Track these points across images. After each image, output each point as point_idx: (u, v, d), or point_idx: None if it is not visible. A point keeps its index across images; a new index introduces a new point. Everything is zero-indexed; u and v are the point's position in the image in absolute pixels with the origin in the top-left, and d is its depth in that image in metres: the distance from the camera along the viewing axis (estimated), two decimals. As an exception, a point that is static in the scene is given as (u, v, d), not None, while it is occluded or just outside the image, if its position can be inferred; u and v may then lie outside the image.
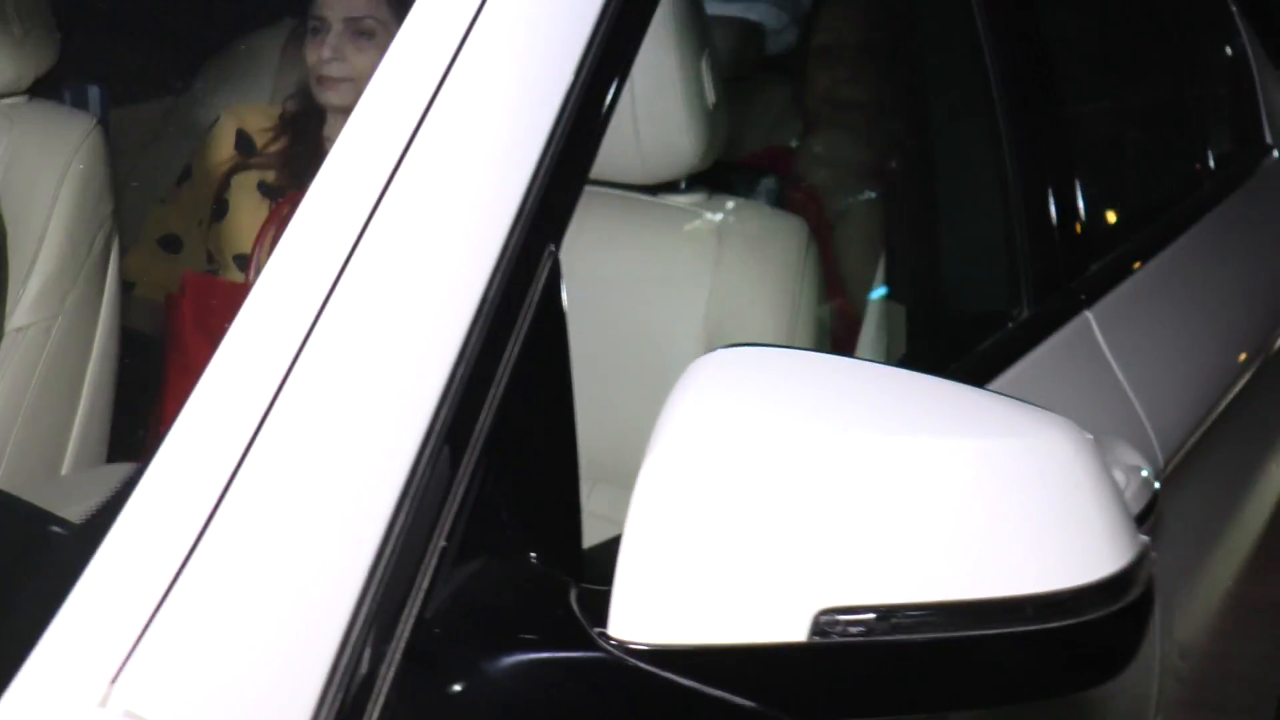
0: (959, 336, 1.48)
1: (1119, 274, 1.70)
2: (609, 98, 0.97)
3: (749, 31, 2.90)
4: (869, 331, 1.58)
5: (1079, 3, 2.16)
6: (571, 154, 0.93)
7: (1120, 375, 1.57)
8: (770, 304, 1.62)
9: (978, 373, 1.39)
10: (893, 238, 1.57)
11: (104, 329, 2.37)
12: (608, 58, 0.95)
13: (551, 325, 0.87)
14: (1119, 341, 1.59)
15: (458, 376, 0.79)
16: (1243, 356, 1.87)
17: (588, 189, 1.69)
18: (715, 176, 1.83)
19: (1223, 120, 2.56)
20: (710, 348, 1.61)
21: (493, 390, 0.81)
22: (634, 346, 1.66)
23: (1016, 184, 1.52)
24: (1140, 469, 1.44)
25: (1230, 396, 1.78)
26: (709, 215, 1.69)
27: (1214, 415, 1.71)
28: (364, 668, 0.73)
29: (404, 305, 0.81)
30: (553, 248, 0.88)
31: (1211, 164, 2.27)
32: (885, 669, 0.79)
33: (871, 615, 0.75)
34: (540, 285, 0.86)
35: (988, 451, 0.79)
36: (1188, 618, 1.63)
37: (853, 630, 0.75)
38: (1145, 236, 1.85)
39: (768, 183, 1.86)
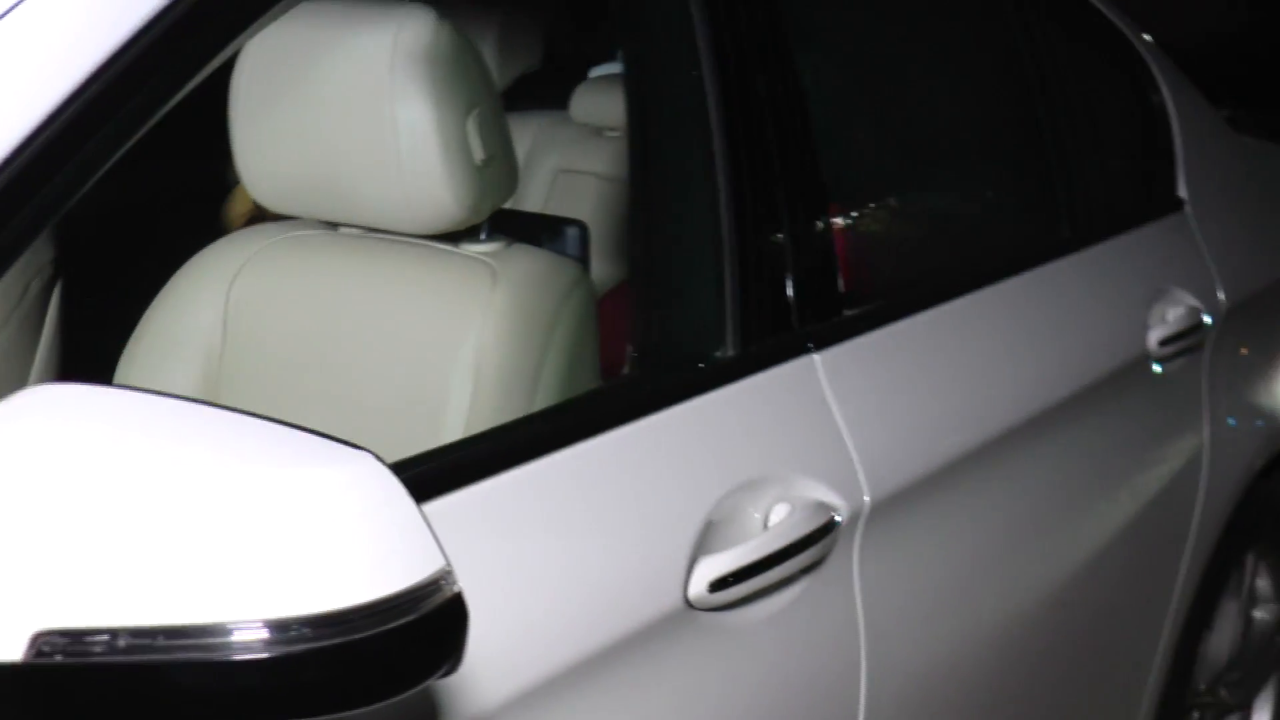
0: (652, 371, 1.59)
1: (871, 323, 1.77)
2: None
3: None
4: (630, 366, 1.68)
5: (896, 64, 2.23)
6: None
7: (839, 417, 1.65)
8: (523, 345, 1.74)
9: (678, 394, 1.51)
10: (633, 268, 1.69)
11: (41, 359, 2.56)
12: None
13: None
14: (843, 386, 1.67)
15: None
16: (1005, 420, 1.93)
17: (379, 238, 1.85)
18: (522, 225, 1.96)
19: (1116, 173, 2.60)
20: (476, 377, 1.75)
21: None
22: (410, 378, 1.80)
23: (735, 231, 1.61)
24: (820, 502, 1.54)
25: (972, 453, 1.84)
26: (492, 262, 1.82)
27: (935, 471, 1.78)
28: None
29: None
30: None
31: (1073, 219, 2.31)
32: (115, 690, 0.81)
33: (104, 637, 0.78)
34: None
35: (264, 478, 0.84)
36: (893, 620, 1.71)
37: (75, 651, 0.78)
38: (924, 290, 1.91)
39: (572, 231, 1.98)
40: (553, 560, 1.33)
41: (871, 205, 1.98)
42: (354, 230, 1.88)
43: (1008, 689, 2.01)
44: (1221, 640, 2.75)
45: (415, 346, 1.80)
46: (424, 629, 0.88)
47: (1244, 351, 2.58)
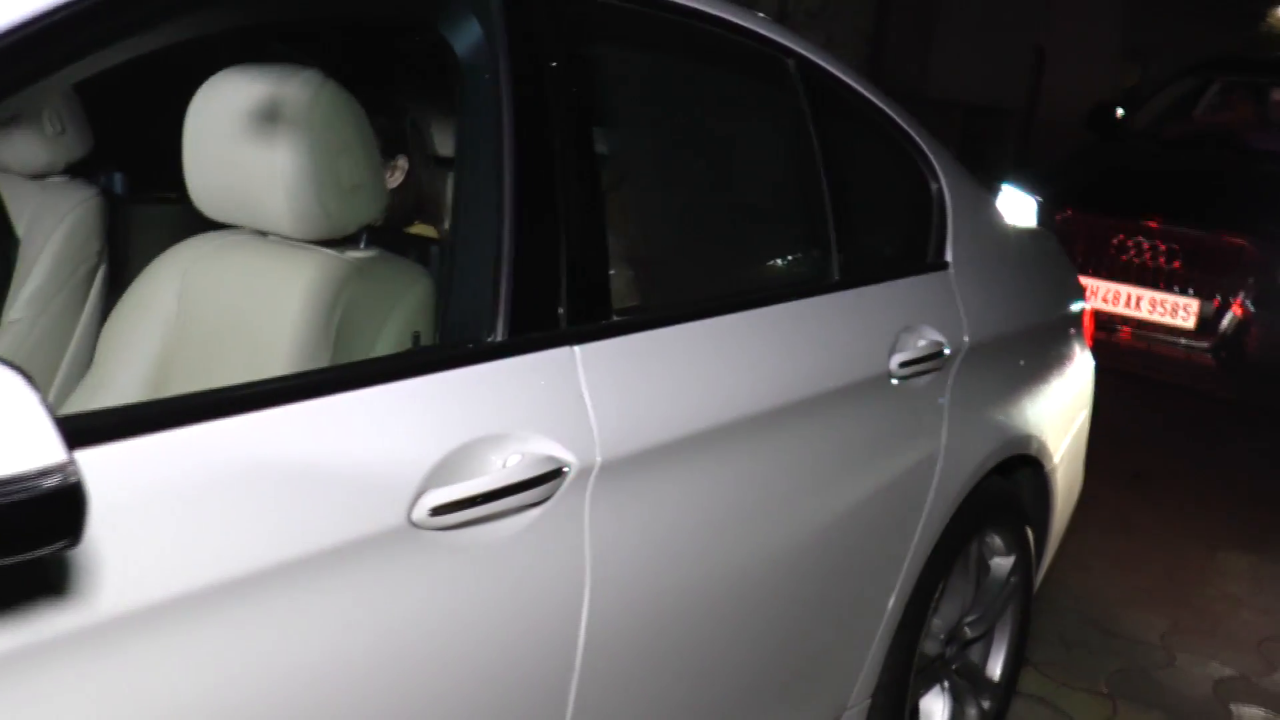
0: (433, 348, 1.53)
1: (634, 328, 1.71)
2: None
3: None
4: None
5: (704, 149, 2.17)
6: None
7: (586, 395, 1.58)
8: (368, 320, 1.76)
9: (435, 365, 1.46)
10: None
11: (81, 330, 2.53)
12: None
13: None
14: (596, 374, 1.60)
15: None
16: (742, 410, 1.85)
17: (279, 242, 1.81)
18: (396, 239, 1.92)
19: (891, 237, 2.53)
20: (336, 348, 1.71)
21: None
22: (290, 347, 1.75)
23: (515, 243, 1.56)
24: (549, 455, 1.47)
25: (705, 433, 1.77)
26: (361, 265, 1.80)
27: (669, 443, 1.70)
28: None
29: None
30: None
31: (841, 267, 2.23)
32: None
33: None
34: None
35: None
36: (621, 562, 1.63)
37: None
38: (687, 307, 1.85)
39: (434, 249, 1.94)
40: (297, 466, 1.27)
41: (671, 242, 1.92)
42: (274, 237, 1.85)
43: (730, 640, 1.91)
44: (967, 593, 2.67)
45: (299, 324, 1.75)
46: (41, 507, 0.84)
47: (979, 379, 2.49)
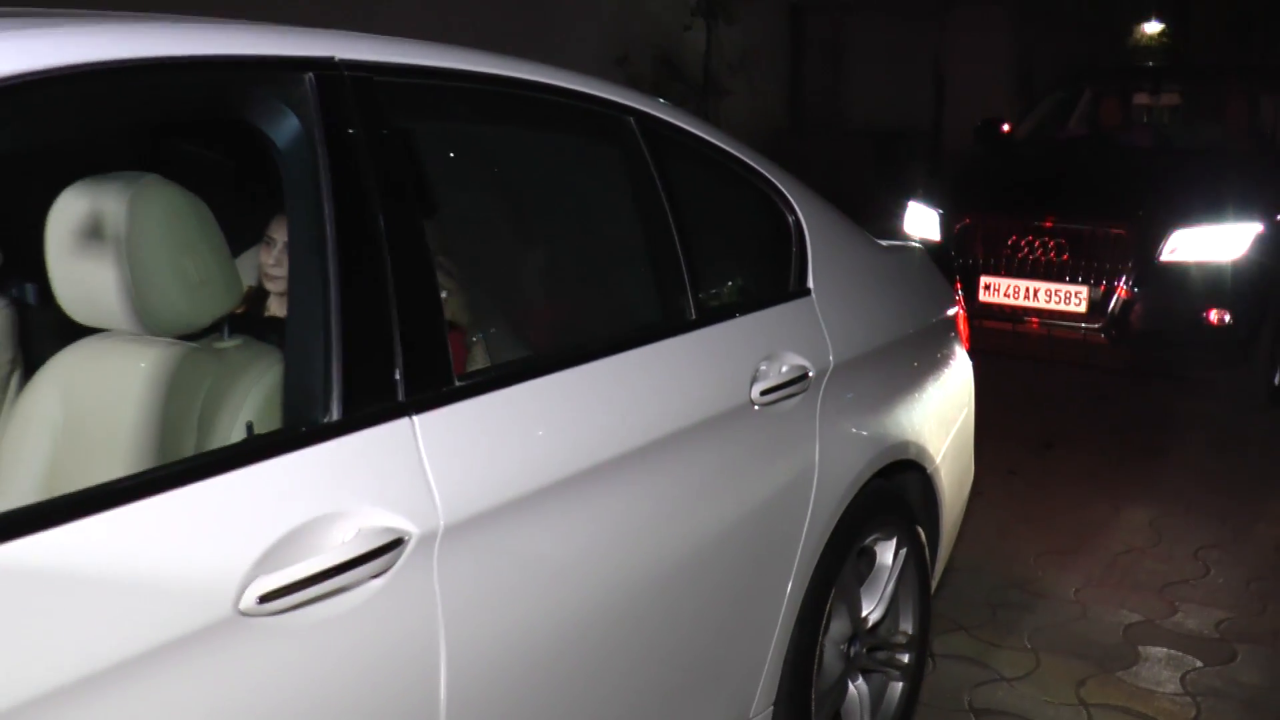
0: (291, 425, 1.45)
1: (480, 390, 1.62)
2: None
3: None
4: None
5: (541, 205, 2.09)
6: None
7: (426, 463, 1.50)
8: (227, 403, 1.68)
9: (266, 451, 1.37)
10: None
11: None
12: None
13: None
14: (437, 442, 1.52)
15: None
16: (596, 456, 1.76)
17: (141, 340, 1.72)
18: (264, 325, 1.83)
19: (747, 270, 2.45)
20: (200, 431, 1.62)
21: None
22: (167, 444, 1.66)
23: (342, 322, 1.47)
24: (391, 529, 1.38)
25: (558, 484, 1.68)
26: (227, 352, 1.75)
27: (516, 498, 1.62)
28: None
29: None
30: None
31: (697, 304, 2.14)
32: None
33: None
34: None
35: None
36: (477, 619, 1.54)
37: None
38: (529, 364, 1.77)
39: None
40: (123, 569, 1.18)
41: (516, 298, 1.83)
42: (129, 333, 1.76)
43: (607, 669, 1.81)
44: (864, 593, 2.58)
45: (169, 416, 1.67)
46: None
47: (849, 395, 2.41)
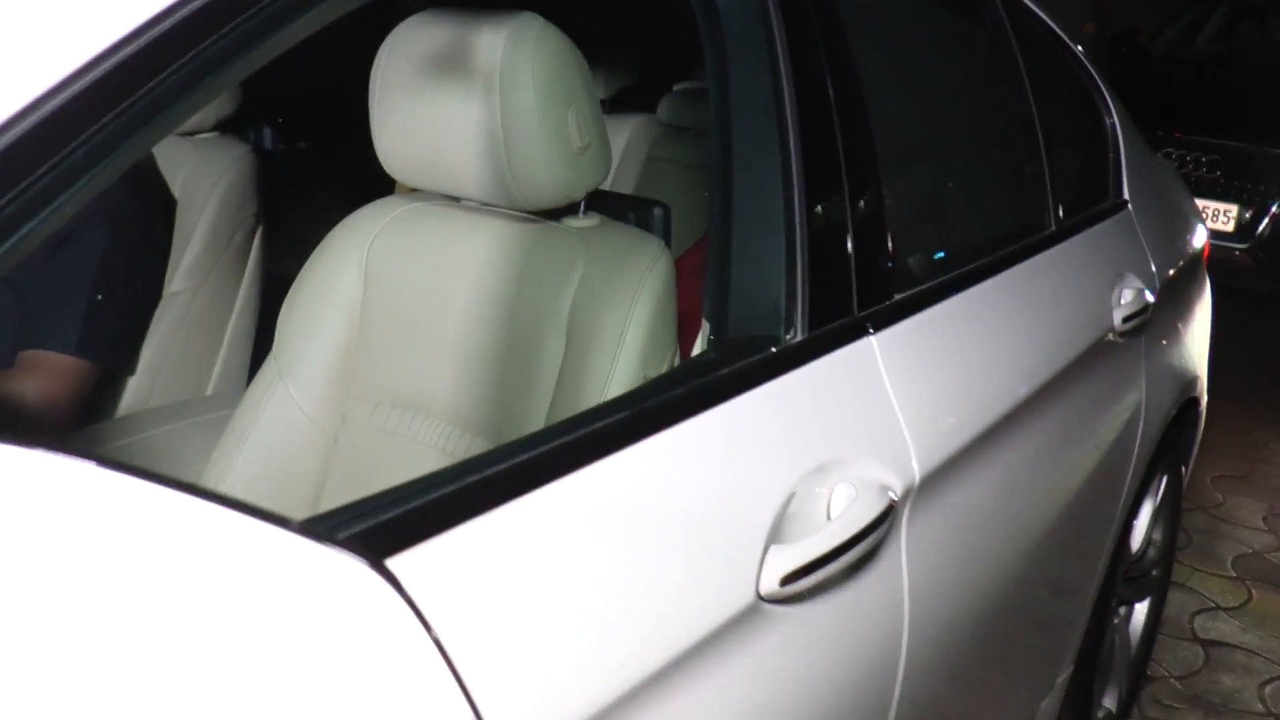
0: (729, 353, 1.04)
1: (916, 307, 1.24)
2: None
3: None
4: (699, 346, 1.16)
5: (938, 83, 1.66)
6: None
7: (893, 398, 1.12)
8: (610, 308, 1.21)
9: (745, 380, 0.98)
10: (711, 254, 1.14)
11: (243, 296, 2.08)
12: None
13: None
14: (898, 368, 1.14)
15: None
16: (1024, 389, 1.38)
17: (491, 211, 1.33)
18: (614, 205, 1.42)
19: (1081, 180, 2.02)
20: (568, 337, 1.23)
21: None
22: (511, 332, 1.28)
23: (804, 213, 1.09)
24: (880, 484, 1.01)
25: (998, 422, 1.30)
26: (587, 236, 1.29)
27: (977, 439, 1.24)
28: None
29: None
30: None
31: (1060, 214, 1.75)
32: None
33: None
34: None
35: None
36: (939, 602, 1.19)
37: None
38: (957, 276, 1.37)
39: (657, 211, 1.43)
40: (628, 564, 0.81)
41: (906, 197, 1.42)
42: (471, 203, 1.35)
43: (1016, 626, 1.48)
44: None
45: (516, 306, 1.27)
46: None
47: (1166, 321, 2.02)
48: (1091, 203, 1.97)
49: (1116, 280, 1.78)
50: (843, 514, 0.96)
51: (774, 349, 1.04)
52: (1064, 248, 1.69)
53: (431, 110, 1.23)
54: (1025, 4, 1.83)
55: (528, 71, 1.16)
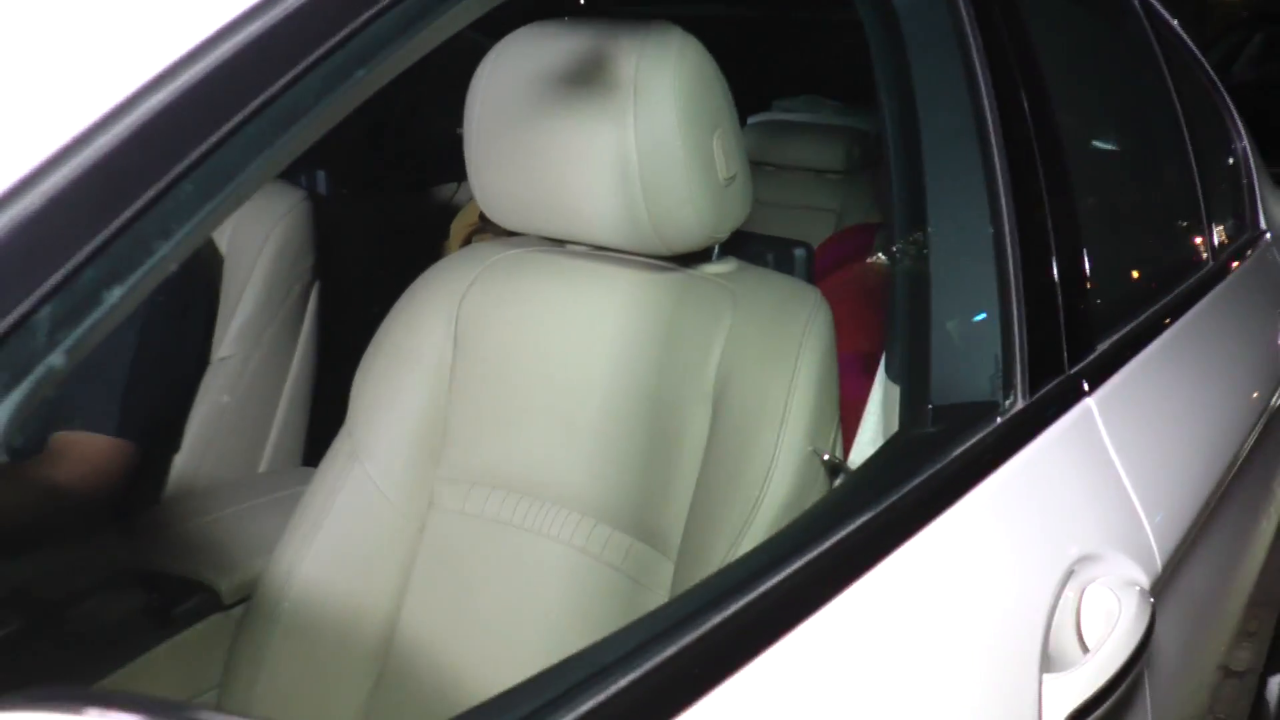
0: (950, 425, 0.84)
1: (1120, 359, 1.04)
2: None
3: (854, 136, 2.40)
4: (873, 407, 0.96)
5: (1098, 99, 1.47)
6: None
7: (1121, 470, 0.92)
8: (769, 371, 1.00)
9: (978, 462, 0.78)
10: (894, 313, 0.94)
11: (300, 359, 1.87)
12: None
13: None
14: (1120, 432, 0.94)
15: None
16: (1239, 443, 1.18)
17: (608, 257, 1.13)
18: (751, 247, 1.22)
19: (1225, 208, 1.82)
20: (715, 406, 1.02)
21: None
22: (645, 402, 1.07)
23: (1017, 259, 0.89)
24: (1138, 586, 0.81)
25: (1226, 482, 1.10)
26: (728, 284, 1.07)
27: (1210, 505, 1.04)
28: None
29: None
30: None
31: (1215, 245, 1.56)
32: None
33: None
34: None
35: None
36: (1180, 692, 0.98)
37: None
38: (1146, 319, 1.17)
39: (799, 252, 1.24)
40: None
41: (1091, 227, 1.21)
42: (580, 248, 1.14)
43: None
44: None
45: (651, 370, 1.06)
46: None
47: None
48: (1234, 233, 1.77)
49: (1277, 317, 1.59)
50: (1114, 628, 0.75)
51: (999, 418, 0.83)
52: (1230, 282, 1.49)
53: (546, 138, 1.02)
54: (1164, 16, 1.64)
55: (668, 89, 0.96)
